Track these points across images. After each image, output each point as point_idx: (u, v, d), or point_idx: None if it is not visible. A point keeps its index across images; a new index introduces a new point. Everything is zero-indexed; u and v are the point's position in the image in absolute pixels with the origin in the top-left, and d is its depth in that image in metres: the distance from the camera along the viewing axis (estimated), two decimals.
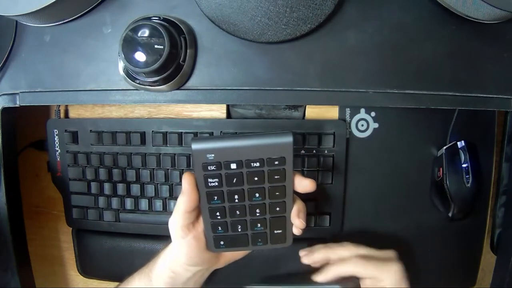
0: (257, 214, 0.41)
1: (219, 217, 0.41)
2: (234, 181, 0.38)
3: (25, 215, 0.54)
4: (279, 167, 0.38)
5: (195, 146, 0.36)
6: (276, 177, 0.38)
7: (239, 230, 0.42)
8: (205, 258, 0.43)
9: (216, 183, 0.38)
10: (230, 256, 0.46)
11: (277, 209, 0.41)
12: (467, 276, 0.56)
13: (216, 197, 0.39)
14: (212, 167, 0.37)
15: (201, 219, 0.42)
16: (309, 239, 0.53)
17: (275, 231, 0.42)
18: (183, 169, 0.52)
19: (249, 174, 0.38)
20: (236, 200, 0.40)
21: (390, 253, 0.46)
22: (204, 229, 0.42)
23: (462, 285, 0.56)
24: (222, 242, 0.42)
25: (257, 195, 0.39)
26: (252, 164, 0.37)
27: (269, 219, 0.41)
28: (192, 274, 0.44)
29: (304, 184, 0.40)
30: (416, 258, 0.53)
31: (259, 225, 0.42)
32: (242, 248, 0.44)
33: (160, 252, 0.45)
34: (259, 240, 0.43)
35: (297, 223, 0.41)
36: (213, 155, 0.37)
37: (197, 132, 0.51)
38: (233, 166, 0.37)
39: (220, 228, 0.41)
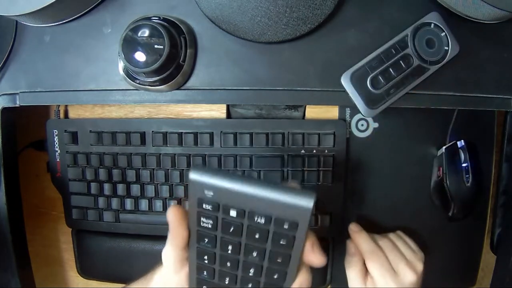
0: (250, 274, 0.33)
1: (206, 262, 0.34)
2: (231, 230, 0.31)
3: (24, 216, 0.53)
4: (288, 232, 0.30)
5: (194, 176, 0.29)
6: (281, 242, 0.31)
7: (226, 283, 0.35)
8: None
9: (210, 225, 0.32)
10: None
11: (275, 276, 0.33)
12: (467, 276, 0.56)
13: (207, 240, 0.33)
14: (208, 207, 0.30)
15: None
16: None
17: None
18: (183, 169, 0.52)
19: (250, 228, 0.31)
20: (229, 251, 0.32)
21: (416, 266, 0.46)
22: (189, 266, 0.35)
23: (462, 285, 0.56)
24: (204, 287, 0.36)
25: (254, 254, 0.32)
26: (256, 218, 0.30)
27: (264, 284, 0.34)
28: None
29: (312, 259, 0.33)
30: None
31: (250, 286, 0.34)
32: None
33: (156, 268, 0.40)
34: None
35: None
36: (212, 192, 0.30)
37: (197, 132, 0.51)
38: (233, 213, 0.30)
39: (205, 273, 0.35)
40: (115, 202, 0.53)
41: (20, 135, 0.54)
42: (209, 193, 0.30)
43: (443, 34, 0.41)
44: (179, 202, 0.52)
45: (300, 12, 0.40)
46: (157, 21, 0.40)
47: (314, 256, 0.32)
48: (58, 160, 0.54)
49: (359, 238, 0.49)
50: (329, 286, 0.55)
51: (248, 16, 0.41)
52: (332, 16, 0.41)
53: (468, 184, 0.50)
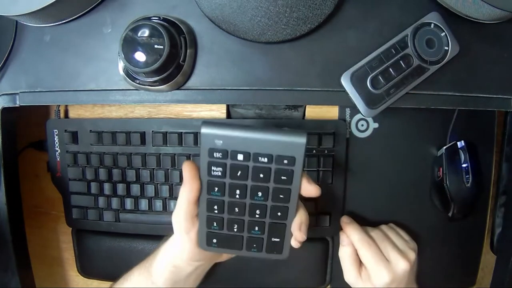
0: (257, 216, 0.39)
1: (216, 212, 0.39)
2: (239, 174, 0.36)
3: (24, 216, 0.54)
4: (288, 167, 0.36)
5: (205, 129, 0.35)
6: (282, 177, 0.36)
7: (235, 230, 0.40)
8: (207, 253, 0.42)
9: (220, 173, 0.37)
10: None
11: (279, 214, 0.38)
12: (467, 276, 0.56)
13: (217, 188, 0.38)
14: (218, 154, 0.36)
15: None
16: (309, 239, 0.53)
17: (273, 239, 0.40)
18: None
19: (255, 169, 0.36)
20: (237, 196, 0.38)
21: (408, 255, 0.47)
22: (199, 222, 0.40)
23: (462, 285, 0.56)
24: (214, 240, 0.40)
25: (259, 194, 0.37)
26: (259, 158, 0.35)
27: (268, 224, 0.39)
28: (194, 268, 0.43)
29: (309, 189, 0.38)
30: (417, 260, 0.53)
31: (256, 228, 0.39)
32: (235, 251, 0.42)
33: (160, 245, 0.45)
34: (254, 245, 0.40)
35: (297, 235, 0.39)
36: (221, 141, 0.35)
37: (197, 132, 0.51)
38: (240, 157, 0.35)
39: (215, 224, 0.39)
40: (115, 202, 0.53)
41: (20, 135, 0.54)
42: (219, 142, 0.35)
43: (443, 34, 0.41)
44: None
45: (300, 12, 0.40)
46: (157, 21, 0.40)
47: (310, 187, 0.38)
48: (58, 160, 0.54)
49: (350, 229, 0.49)
50: (328, 286, 0.55)
51: (248, 16, 0.41)
52: (332, 16, 0.41)
53: (468, 184, 0.50)
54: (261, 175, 0.36)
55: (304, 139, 0.34)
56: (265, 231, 0.40)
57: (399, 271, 0.46)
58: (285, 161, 0.35)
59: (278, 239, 0.40)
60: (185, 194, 0.38)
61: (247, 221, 0.39)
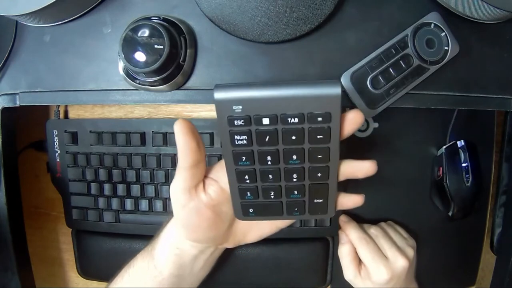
0: (294, 180, 0.34)
1: (248, 181, 0.34)
2: (267, 139, 0.32)
3: (24, 216, 0.53)
4: (323, 125, 0.31)
5: (219, 95, 0.30)
6: (318, 137, 0.31)
7: (272, 197, 0.35)
8: (208, 235, 0.38)
9: (245, 141, 0.32)
10: (241, 236, 0.41)
11: (319, 175, 0.34)
12: (466, 276, 0.56)
13: (244, 158, 0.33)
14: (240, 122, 0.31)
15: (208, 188, 0.36)
16: (309, 239, 0.53)
17: (315, 200, 0.36)
18: None
19: (285, 131, 0.31)
20: (269, 163, 0.33)
21: (407, 252, 0.48)
22: (231, 193, 0.36)
23: (461, 285, 0.56)
24: (251, 210, 0.36)
25: (294, 157, 0.33)
26: (289, 119, 0.30)
27: (309, 186, 0.35)
28: (199, 251, 0.40)
29: (362, 166, 0.35)
30: (416, 257, 0.53)
31: (296, 192, 0.35)
32: (276, 217, 0.38)
33: (164, 225, 0.41)
34: (296, 209, 0.36)
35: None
36: (240, 107, 0.30)
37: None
38: (266, 121, 0.31)
39: (249, 194, 0.35)
40: (115, 203, 0.53)
41: (20, 135, 0.54)
42: (238, 108, 0.30)
43: (443, 34, 0.41)
44: None
45: (300, 12, 0.40)
46: (157, 21, 0.40)
47: (363, 163, 0.35)
48: (58, 160, 0.54)
49: (348, 228, 0.50)
50: (329, 286, 0.55)
51: (248, 16, 0.41)
52: (332, 16, 0.41)
53: (468, 184, 0.50)
54: (293, 137, 0.32)
55: (338, 90, 0.29)
56: (306, 193, 0.35)
57: (397, 268, 0.46)
58: (319, 119, 0.30)
59: (321, 200, 0.36)
60: (181, 160, 0.34)
61: (284, 186, 0.35)
